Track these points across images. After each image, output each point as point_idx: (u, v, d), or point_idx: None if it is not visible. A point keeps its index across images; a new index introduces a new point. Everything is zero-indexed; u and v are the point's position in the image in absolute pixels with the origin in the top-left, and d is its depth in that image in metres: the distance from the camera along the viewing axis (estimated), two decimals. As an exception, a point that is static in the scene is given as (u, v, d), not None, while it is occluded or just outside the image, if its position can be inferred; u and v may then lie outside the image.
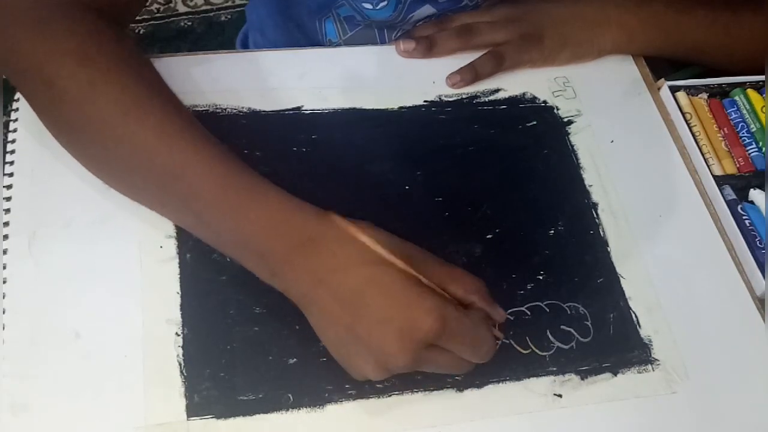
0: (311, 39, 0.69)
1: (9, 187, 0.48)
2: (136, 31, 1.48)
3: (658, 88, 0.62)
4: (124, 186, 0.47)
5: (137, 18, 1.49)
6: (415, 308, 0.39)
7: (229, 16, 1.52)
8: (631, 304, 0.50)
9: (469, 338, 0.41)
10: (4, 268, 0.45)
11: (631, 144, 0.58)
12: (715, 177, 0.56)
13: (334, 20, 0.66)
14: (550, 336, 0.48)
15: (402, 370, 0.41)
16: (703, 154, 0.58)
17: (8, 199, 0.47)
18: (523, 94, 0.60)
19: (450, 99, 0.58)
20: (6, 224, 0.46)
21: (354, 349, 0.40)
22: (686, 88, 0.61)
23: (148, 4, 1.51)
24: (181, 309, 0.45)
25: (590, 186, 0.55)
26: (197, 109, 0.53)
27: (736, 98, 0.61)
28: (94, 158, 0.46)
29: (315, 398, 0.44)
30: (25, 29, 0.45)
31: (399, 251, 0.41)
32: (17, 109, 0.51)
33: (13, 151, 0.49)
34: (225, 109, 0.54)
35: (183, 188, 0.43)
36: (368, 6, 0.61)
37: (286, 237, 0.42)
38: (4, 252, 0.45)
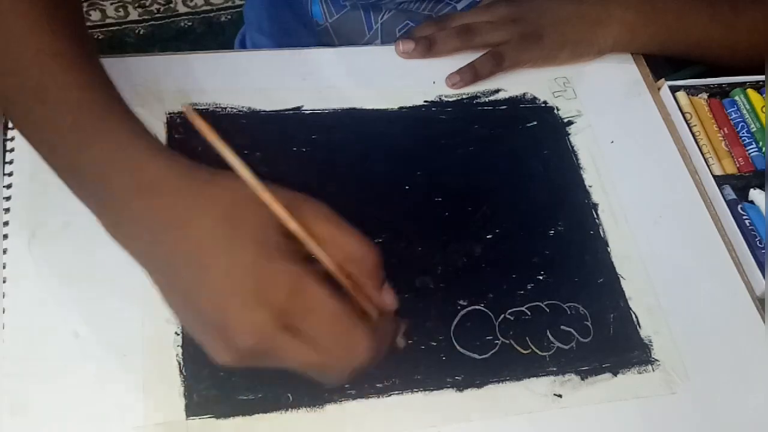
0: (309, 28, 0.69)
1: (9, 186, 0.48)
2: (136, 31, 1.49)
3: (658, 88, 0.62)
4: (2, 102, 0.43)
5: (137, 18, 1.50)
6: (263, 272, 0.33)
7: (228, 17, 1.52)
8: (631, 304, 0.50)
9: (328, 323, 0.34)
10: (4, 267, 0.45)
11: (631, 144, 0.58)
12: (715, 177, 0.56)
13: (320, 2, 0.66)
14: (550, 336, 0.48)
15: (251, 354, 0.34)
16: (703, 154, 0.58)
17: (8, 198, 0.47)
18: (524, 94, 0.60)
19: (450, 99, 0.58)
20: (6, 224, 0.46)
21: (196, 324, 0.35)
22: (686, 88, 0.61)
23: (147, 4, 1.51)
24: (181, 309, 0.45)
25: (590, 186, 0.55)
26: (197, 108, 0.53)
27: (736, 98, 0.61)
28: None
29: (314, 398, 0.44)
30: None
31: (278, 195, 0.35)
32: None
33: (12, 150, 0.49)
34: (225, 109, 0.54)
35: (44, 111, 0.39)
36: None
37: (124, 176, 0.36)
38: (4, 252, 0.45)
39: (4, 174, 0.48)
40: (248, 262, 0.33)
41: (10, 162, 0.49)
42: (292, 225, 0.34)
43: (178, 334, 0.44)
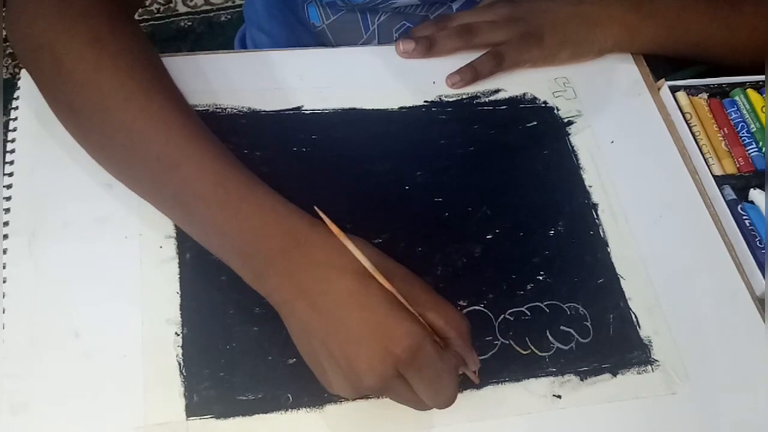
0: (306, 27, 0.69)
1: (9, 187, 0.48)
2: (137, 30, 1.48)
3: (658, 89, 0.62)
4: (119, 173, 0.47)
5: (137, 18, 1.50)
6: (391, 331, 0.38)
7: (229, 17, 1.52)
8: (630, 304, 0.50)
9: (434, 379, 0.39)
10: (4, 267, 0.45)
11: (631, 144, 0.58)
12: (715, 177, 0.56)
13: (316, 5, 0.66)
14: (549, 336, 0.48)
15: (370, 392, 0.40)
16: (703, 154, 0.58)
17: (8, 198, 0.47)
18: (524, 94, 0.60)
19: (450, 99, 0.58)
20: (6, 224, 0.46)
21: (326, 364, 0.39)
22: (686, 88, 0.61)
23: (148, 3, 1.51)
24: (181, 309, 0.45)
25: (590, 186, 0.55)
26: (198, 108, 0.53)
27: (736, 98, 0.61)
28: (93, 142, 0.46)
29: (314, 398, 0.44)
30: (44, 7, 0.45)
31: (386, 270, 0.40)
32: (17, 107, 0.51)
33: (13, 151, 0.49)
34: (225, 109, 0.54)
35: (176, 181, 0.43)
36: None
37: (271, 240, 0.41)
38: (4, 252, 0.45)
39: (4, 174, 0.48)
40: (379, 319, 0.38)
41: (11, 162, 0.49)
42: (404, 302, 0.40)
43: (178, 335, 0.45)
